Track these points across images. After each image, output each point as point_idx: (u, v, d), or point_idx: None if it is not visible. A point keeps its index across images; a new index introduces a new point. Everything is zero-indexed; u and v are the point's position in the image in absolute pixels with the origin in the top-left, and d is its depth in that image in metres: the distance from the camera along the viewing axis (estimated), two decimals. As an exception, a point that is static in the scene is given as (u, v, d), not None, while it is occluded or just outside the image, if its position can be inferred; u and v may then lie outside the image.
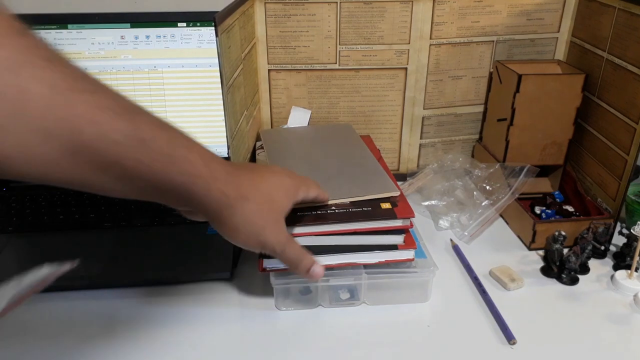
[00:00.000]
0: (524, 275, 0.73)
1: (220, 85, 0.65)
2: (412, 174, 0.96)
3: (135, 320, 0.65)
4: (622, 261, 0.75)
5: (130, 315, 0.66)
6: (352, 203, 0.66)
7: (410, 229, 0.66)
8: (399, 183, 0.71)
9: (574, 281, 0.72)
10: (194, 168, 0.43)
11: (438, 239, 0.82)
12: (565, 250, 0.73)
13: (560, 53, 0.94)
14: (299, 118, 0.94)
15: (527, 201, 0.87)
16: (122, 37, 0.86)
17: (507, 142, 0.87)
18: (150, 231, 0.78)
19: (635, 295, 0.69)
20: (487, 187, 0.86)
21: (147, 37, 0.86)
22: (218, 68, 0.64)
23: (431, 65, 0.92)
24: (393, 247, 0.65)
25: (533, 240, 0.78)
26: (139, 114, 0.38)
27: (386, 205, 0.66)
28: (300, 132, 0.90)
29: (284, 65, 0.91)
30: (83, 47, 0.86)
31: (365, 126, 0.96)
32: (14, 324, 0.63)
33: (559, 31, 0.93)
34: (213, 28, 0.66)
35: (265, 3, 0.86)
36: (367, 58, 0.91)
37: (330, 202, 0.66)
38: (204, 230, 0.77)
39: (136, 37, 0.86)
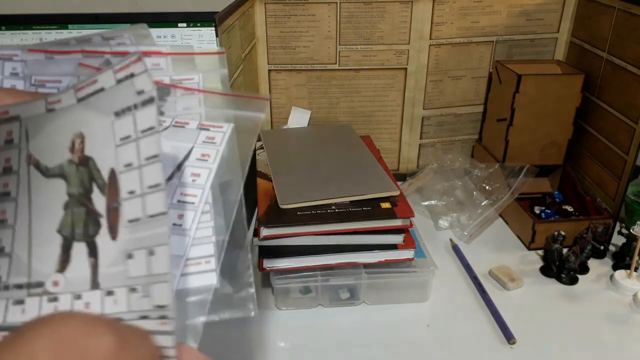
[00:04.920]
0: (524, 275, 0.73)
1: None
2: (412, 174, 0.96)
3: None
4: (621, 261, 0.76)
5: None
6: (352, 202, 0.66)
7: (410, 229, 0.67)
8: (398, 183, 0.71)
9: (573, 281, 0.72)
10: None
11: (438, 238, 0.82)
12: (565, 250, 0.73)
13: (560, 53, 0.94)
14: (299, 118, 0.94)
15: (527, 201, 0.87)
16: (122, 38, 0.86)
17: (507, 142, 0.87)
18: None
19: (635, 295, 0.69)
20: (487, 187, 0.86)
21: (148, 37, 0.86)
22: (218, 68, 0.64)
23: (431, 65, 0.92)
24: (393, 247, 0.66)
25: (532, 240, 0.78)
26: None
27: (386, 205, 0.66)
28: (301, 132, 0.90)
29: (284, 66, 0.92)
30: (83, 47, 0.86)
31: (365, 126, 0.96)
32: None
33: (558, 31, 0.93)
34: (213, 28, 0.66)
35: (265, 3, 0.86)
36: (367, 58, 0.91)
37: (330, 202, 0.66)
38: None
39: (136, 38, 0.86)
